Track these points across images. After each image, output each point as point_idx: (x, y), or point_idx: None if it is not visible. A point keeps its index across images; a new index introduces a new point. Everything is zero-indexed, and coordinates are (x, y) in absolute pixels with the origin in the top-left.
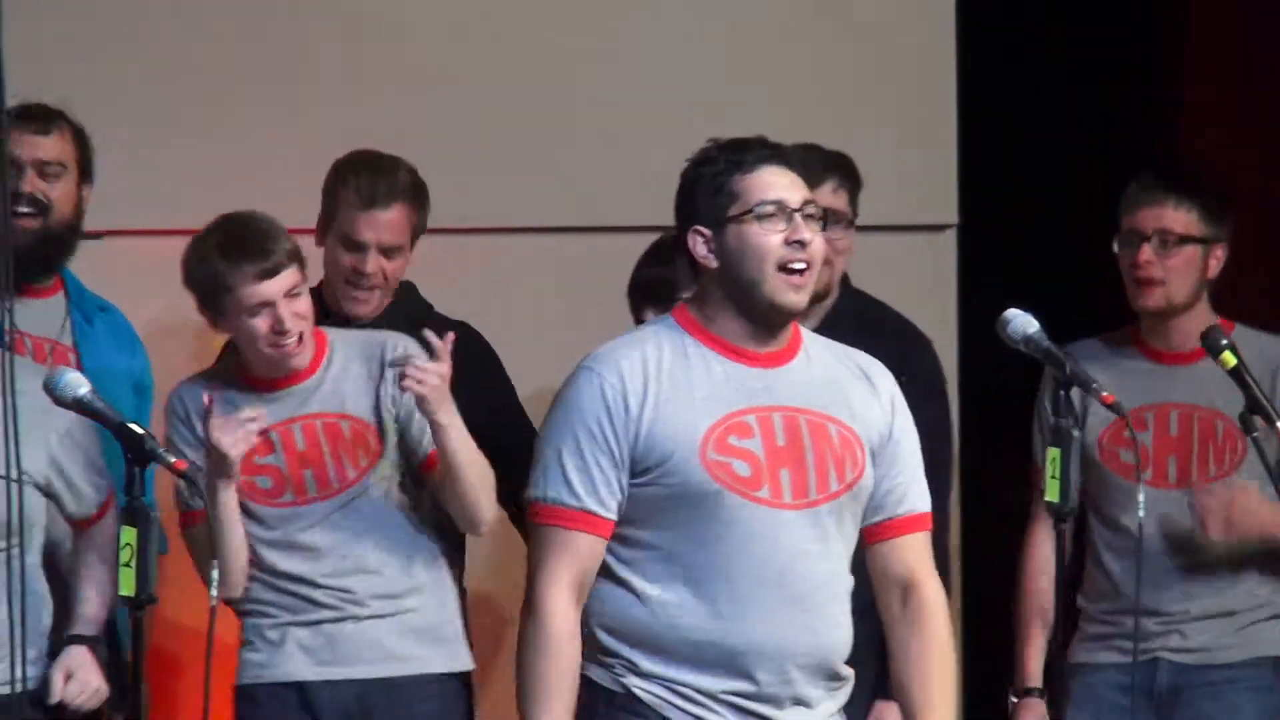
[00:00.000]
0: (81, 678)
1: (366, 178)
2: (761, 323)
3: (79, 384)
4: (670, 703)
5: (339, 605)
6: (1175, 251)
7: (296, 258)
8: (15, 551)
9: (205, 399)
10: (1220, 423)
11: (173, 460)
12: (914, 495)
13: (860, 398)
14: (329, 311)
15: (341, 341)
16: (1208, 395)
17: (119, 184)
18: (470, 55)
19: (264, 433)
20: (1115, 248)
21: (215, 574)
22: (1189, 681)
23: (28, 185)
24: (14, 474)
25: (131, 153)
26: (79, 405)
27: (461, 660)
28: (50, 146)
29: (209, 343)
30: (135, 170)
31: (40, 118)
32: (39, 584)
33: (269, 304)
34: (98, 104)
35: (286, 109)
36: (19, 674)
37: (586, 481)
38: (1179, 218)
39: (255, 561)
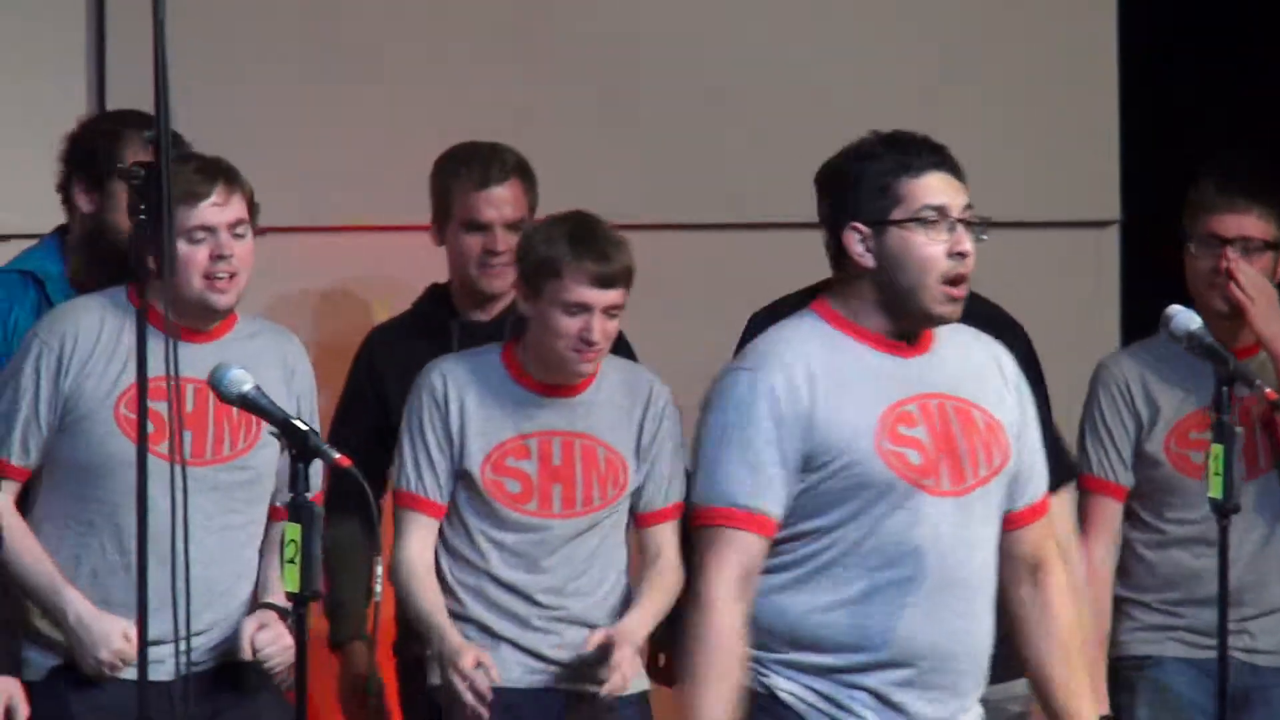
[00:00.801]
0: (275, 630)
1: (477, 161)
2: (911, 325)
3: (243, 380)
4: (813, 705)
5: (550, 621)
6: (1257, 257)
7: (630, 282)
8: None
9: None
10: None
11: (336, 456)
12: (1040, 480)
13: (995, 383)
14: (455, 311)
15: (612, 368)
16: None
17: (279, 181)
18: (624, 54)
19: (523, 436)
20: (1191, 249)
21: (380, 568)
22: (1260, 683)
23: None
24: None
25: (290, 151)
26: (243, 402)
27: (645, 682)
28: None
29: (363, 334)
30: (293, 168)
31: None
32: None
33: (589, 309)
34: (256, 102)
35: (431, 108)
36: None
37: (756, 484)
38: (1260, 225)
39: (475, 566)
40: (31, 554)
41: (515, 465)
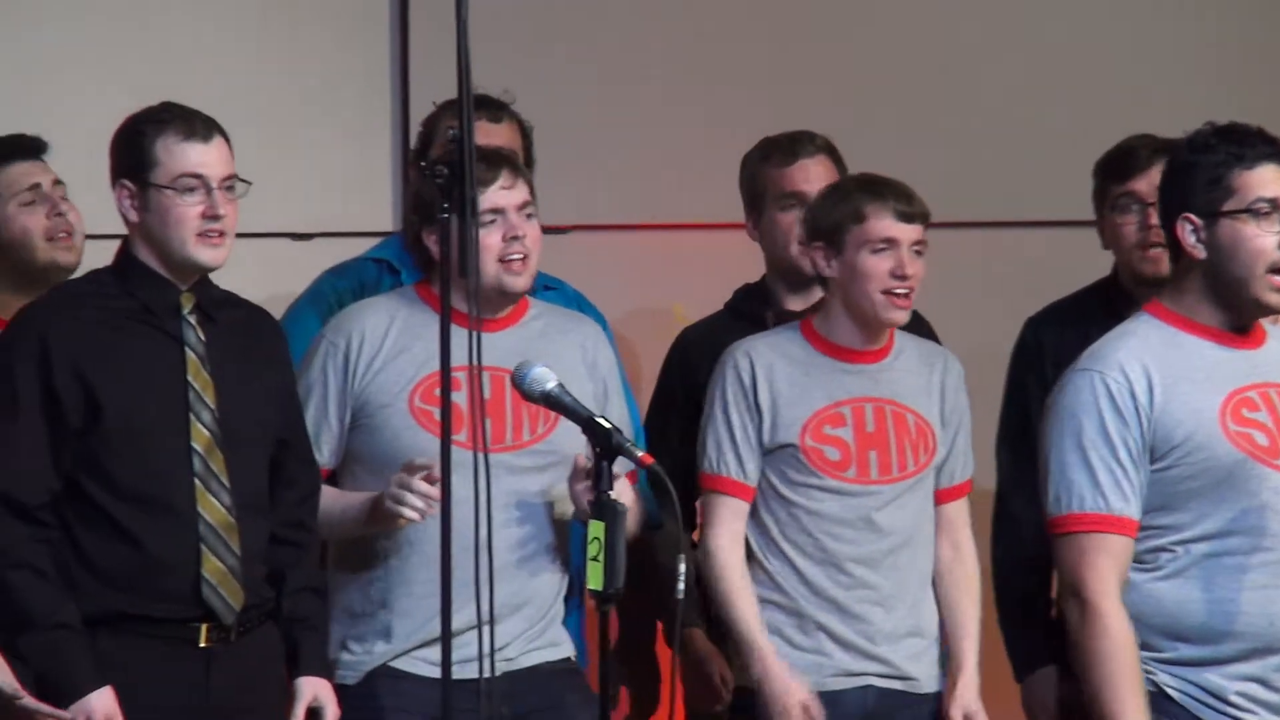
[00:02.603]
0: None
1: (785, 141)
2: (1241, 316)
3: (546, 378)
4: (1204, 703)
5: (866, 605)
6: None
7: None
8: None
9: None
10: None
11: (640, 454)
12: None
13: None
14: (769, 302)
15: (908, 341)
16: None
17: (584, 179)
18: (880, 52)
19: (836, 404)
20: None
21: (683, 568)
22: None
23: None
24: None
25: (590, 149)
26: (546, 400)
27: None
28: (500, 134)
29: (674, 332)
30: (595, 166)
31: (492, 106)
32: None
33: (897, 244)
34: (557, 102)
35: (741, 107)
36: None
37: (1114, 485)
38: None
39: (791, 541)
40: None
41: (832, 433)
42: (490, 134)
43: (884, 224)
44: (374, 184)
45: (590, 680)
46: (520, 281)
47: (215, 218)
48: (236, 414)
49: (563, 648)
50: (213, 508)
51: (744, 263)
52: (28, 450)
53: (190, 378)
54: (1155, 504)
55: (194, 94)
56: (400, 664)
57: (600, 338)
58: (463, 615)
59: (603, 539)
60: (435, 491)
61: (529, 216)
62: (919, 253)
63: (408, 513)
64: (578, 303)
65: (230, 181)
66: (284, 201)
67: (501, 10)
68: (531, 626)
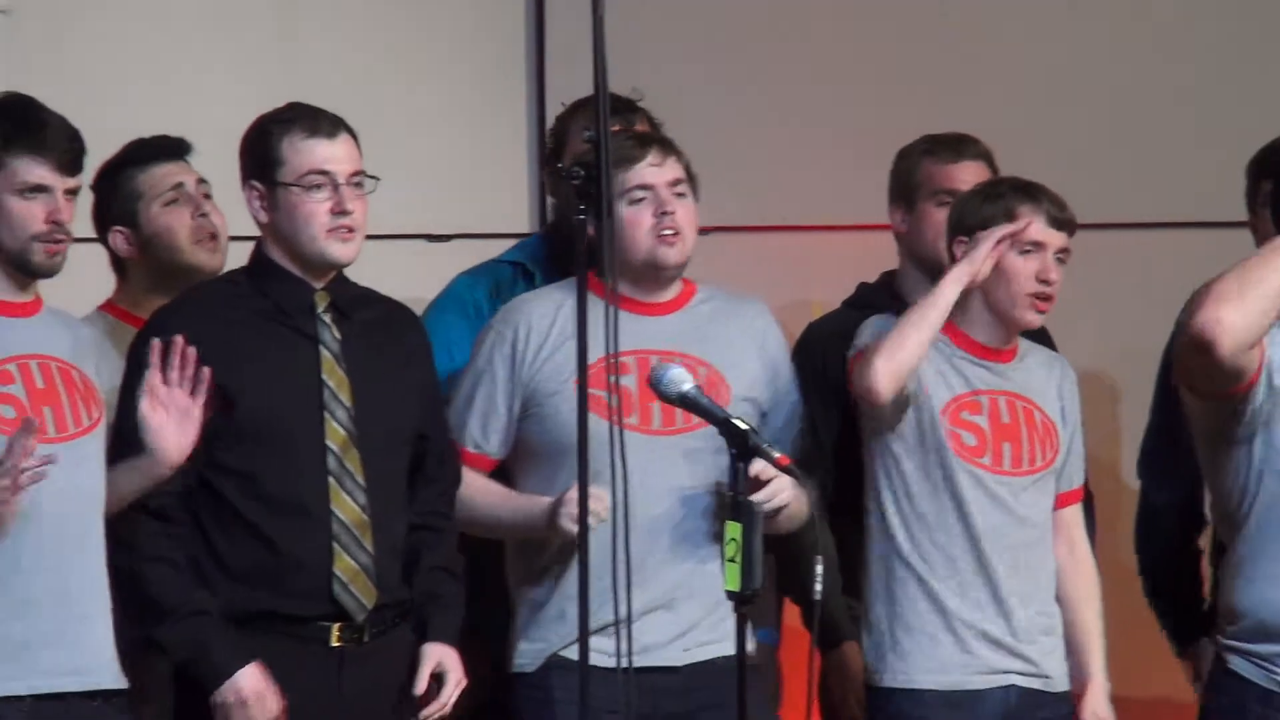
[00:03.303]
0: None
1: (949, 140)
2: None
3: (683, 379)
4: None
5: (1009, 597)
6: None
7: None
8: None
9: None
10: None
11: (776, 455)
12: None
13: None
14: (899, 296)
15: (1027, 346)
16: None
17: (721, 182)
18: (1045, 51)
19: (975, 392)
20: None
21: (819, 568)
22: None
23: None
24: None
25: (724, 151)
26: (683, 401)
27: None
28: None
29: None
30: (730, 168)
31: (622, 108)
32: None
33: (1044, 249)
34: (692, 105)
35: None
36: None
37: None
38: None
39: (931, 526)
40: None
41: (970, 419)
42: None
43: (1035, 227)
44: (510, 185)
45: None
46: (674, 254)
47: (343, 213)
48: (372, 412)
49: (731, 641)
50: (346, 506)
51: (880, 263)
52: None
53: (325, 376)
54: None
55: (331, 96)
56: (573, 653)
57: (768, 319)
58: (631, 604)
59: (739, 540)
60: (603, 504)
61: (680, 195)
62: (1062, 260)
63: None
64: None
65: (358, 178)
66: (420, 203)
67: (638, 9)
68: (707, 616)
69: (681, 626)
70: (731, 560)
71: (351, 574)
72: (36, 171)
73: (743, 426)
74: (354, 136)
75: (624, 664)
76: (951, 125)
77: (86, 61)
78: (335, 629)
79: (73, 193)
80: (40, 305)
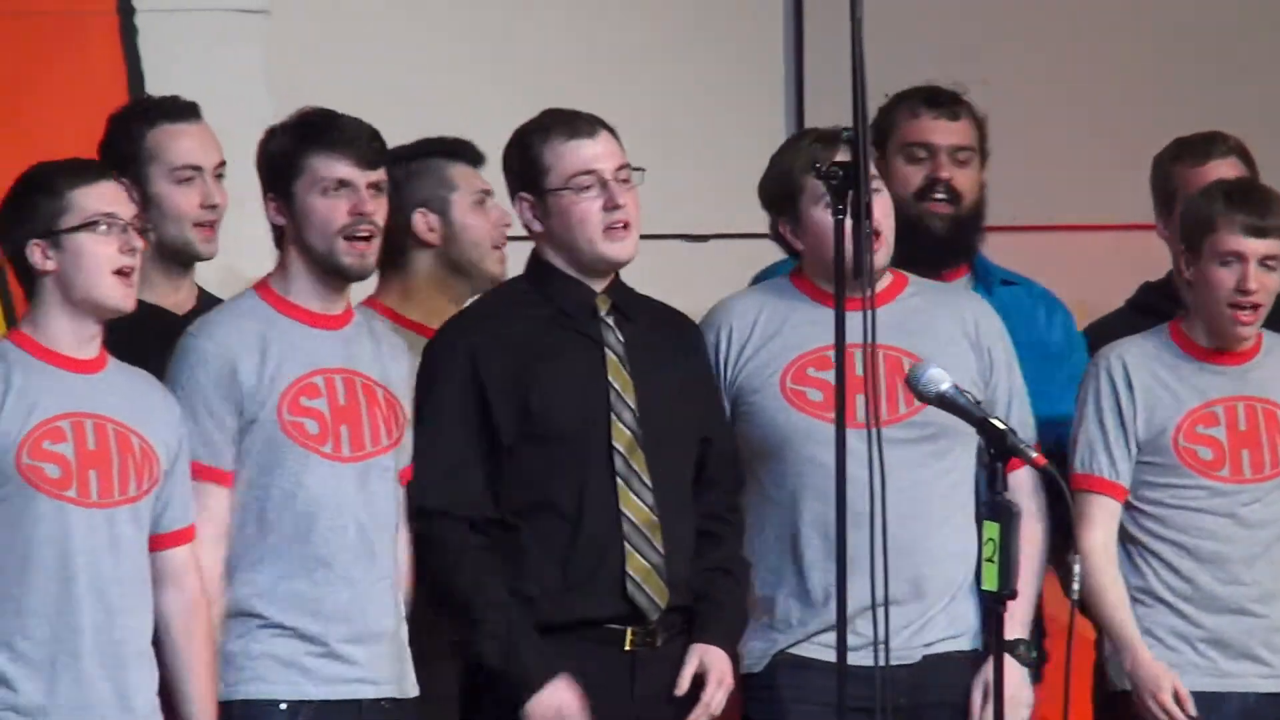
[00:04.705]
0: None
1: (1196, 142)
2: None
3: (940, 379)
4: None
5: (1244, 602)
6: None
7: None
8: None
9: None
10: None
11: (1034, 455)
12: None
13: None
14: (1176, 297)
15: (1275, 342)
16: None
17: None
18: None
19: (1208, 404)
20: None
21: (1078, 567)
22: None
23: (944, 171)
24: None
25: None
26: (940, 400)
27: None
28: (959, 131)
29: None
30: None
31: (947, 103)
32: None
33: (1243, 259)
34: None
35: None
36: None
37: None
38: None
39: (1164, 540)
40: None
41: (1205, 432)
42: (951, 133)
43: (1232, 238)
44: None
45: None
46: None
47: (616, 208)
48: (657, 413)
49: (967, 637)
50: (635, 506)
51: (1156, 264)
52: (464, 463)
53: (611, 378)
54: None
55: (594, 98)
56: (801, 650)
57: (983, 309)
58: (858, 599)
59: (997, 540)
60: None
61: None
62: (1271, 268)
63: None
64: (1045, 298)
65: (624, 172)
66: (679, 204)
67: (898, 8)
68: (937, 612)
69: (910, 618)
70: (989, 560)
71: (644, 573)
72: (337, 168)
73: (1000, 426)
74: (612, 132)
75: (879, 660)
76: (1218, 122)
77: (345, 60)
78: (629, 633)
79: (376, 187)
80: (350, 316)
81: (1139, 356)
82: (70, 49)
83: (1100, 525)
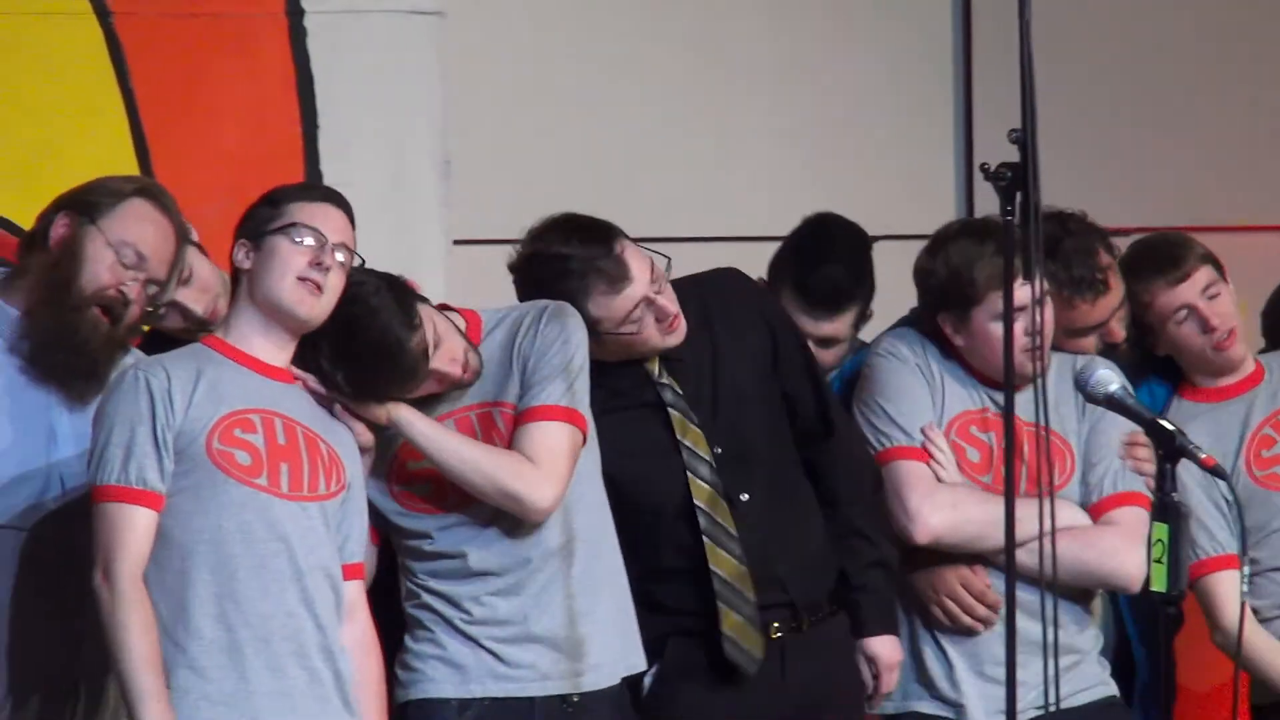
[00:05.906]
0: None
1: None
2: None
3: (1109, 380)
4: None
5: None
6: None
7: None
8: None
9: None
10: None
11: (1203, 456)
12: None
13: None
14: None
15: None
16: None
17: (1126, 184)
18: None
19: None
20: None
21: (1247, 570)
22: None
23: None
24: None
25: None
26: (1109, 401)
27: None
28: (1101, 311)
29: None
30: (1130, 170)
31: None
32: None
33: (1194, 305)
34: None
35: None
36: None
37: None
38: None
39: None
40: None
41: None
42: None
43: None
44: (936, 186)
45: None
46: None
47: (666, 316)
48: (733, 445)
49: (1102, 687)
50: (723, 561)
51: None
52: None
53: (680, 437)
54: None
55: (754, 102)
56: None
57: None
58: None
59: (1166, 541)
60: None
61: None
62: (1216, 294)
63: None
64: None
65: (658, 286)
66: (846, 204)
67: (1066, 10)
68: (1068, 665)
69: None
70: (1158, 561)
71: (739, 630)
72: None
73: (1169, 428)
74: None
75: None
76: None
77: (519, 62)
78: (773, 623)
79: None
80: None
81: (1205, 438)
82: (240, 51)
83: (1230, 600)
